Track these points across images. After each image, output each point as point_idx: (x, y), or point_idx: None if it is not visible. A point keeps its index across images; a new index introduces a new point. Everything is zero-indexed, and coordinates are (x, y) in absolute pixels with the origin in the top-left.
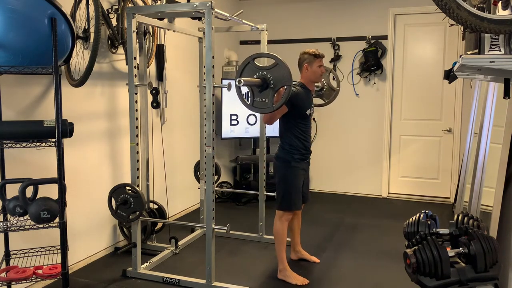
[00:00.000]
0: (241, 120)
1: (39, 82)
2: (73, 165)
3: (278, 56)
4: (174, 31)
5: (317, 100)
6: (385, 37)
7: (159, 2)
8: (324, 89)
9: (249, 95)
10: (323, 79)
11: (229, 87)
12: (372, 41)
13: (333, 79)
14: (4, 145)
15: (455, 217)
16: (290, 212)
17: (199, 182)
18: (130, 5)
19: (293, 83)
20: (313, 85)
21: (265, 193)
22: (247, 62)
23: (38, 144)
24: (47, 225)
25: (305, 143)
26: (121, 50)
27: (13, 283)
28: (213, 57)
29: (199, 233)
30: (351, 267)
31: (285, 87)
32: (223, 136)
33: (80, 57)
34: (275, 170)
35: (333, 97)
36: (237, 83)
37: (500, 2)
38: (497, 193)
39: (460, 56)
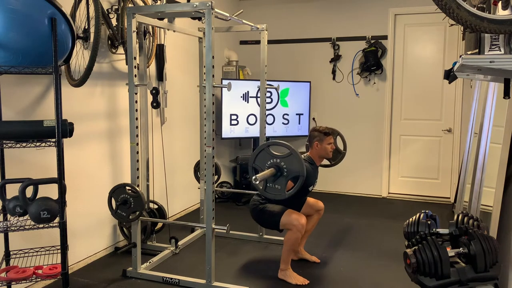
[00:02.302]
0: (241, 120)
1: (39, 82)
2: (73, 165)
3: (292, 147)
4: (174, 31)
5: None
6: (385, 37)
7: (159, 2)
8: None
9: (263, 181)
10: None
11: (229, 87)
12: (372, 41)
13: (341, 141)
14: (4, 145)
15: (455, 217)
16: (289, 220)
17: (199, 182)
18: (130, 5)
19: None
20: (321, 160)
21: None
22: (261, 149)
23: (38, 144)
24: (47, 225)
25: (288, 206)
26: (121, 50)
27: (13, 283)
28: (213, 57)
29: (199, 233)
30: (351, 267)
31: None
32: (223, 136)
33: (80, 57)
34: (251, 214)
35: (340, 159)
36: (254, 182)
37: (500, 2)
38: (497, 193)
39: (460, 56)
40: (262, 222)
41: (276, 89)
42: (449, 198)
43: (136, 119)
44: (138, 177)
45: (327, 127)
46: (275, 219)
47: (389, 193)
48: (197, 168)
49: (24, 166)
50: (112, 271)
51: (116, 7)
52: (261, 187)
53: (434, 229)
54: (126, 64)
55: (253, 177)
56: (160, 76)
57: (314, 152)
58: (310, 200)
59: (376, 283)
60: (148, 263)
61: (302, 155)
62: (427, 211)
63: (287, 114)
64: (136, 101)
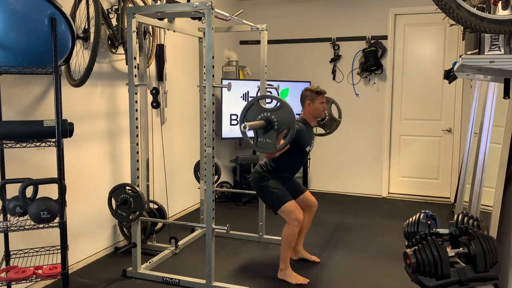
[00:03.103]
0: None
1: (39, 82)
2: (73, 165)
3: (282, 99)
4: (174, 31)
5: (318, 130)
6: (385, 37)
7: (159, 2)
8: (326, 120)
9: (254, 135)
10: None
11: (229, 87)
12: (372, 41)
13: (336, 109)
14: (4, 145)
15: (455, 217)
16: (291, 209)
17: (199, 182)
18: (130, 5)
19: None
20: (315, 121)
21: None
22: (251, 103)
23: (38, 144)
24: (47, 225)
25: (290, 175)
26: (121, 50)
27: (13, 283)
28: (213, 57)
29: (199, 233)
30: (351, 267)
31: (289, 129)
32: (223, 136)
33: (80, 57)
34: (251, 185)
35: (335, 127)
36: (242, 128)
37: (500, 2)
38: (497, 193)
39: (460, 56)
40: (262, 197)
41: (276, 89)
42: (449, 198)
43: (136, 119)
44: (138, 177)
45: (318, 86)
46: (276, 203)
47: (389, 193)
48: (197, 168)
49: (24, 166)
50: (112, 271)
51: (116, 7)
52: (252, 142)
53: (434, 229)
54: (126, 64)
55: (242, 125)
56: (160, 76)
57: (306, 112)
58: (304, 194)
59: (376, 283)
60: (148, 263)
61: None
62: (427, 211)
63: None
64: (136, 101)
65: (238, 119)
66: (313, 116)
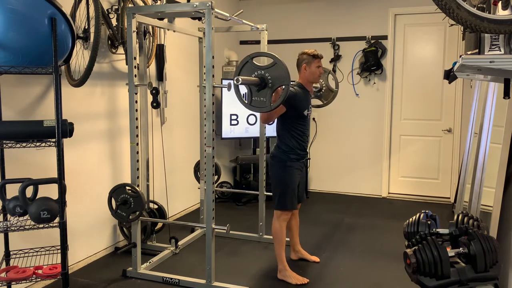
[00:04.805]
0: (241, 120)
1: (39, 82)
2: (73, 165)
3: (276, 56)
4: (174, 31)
5: (315, 101)
6: (385, 37)
7: (159, 2)
8: (323, 90)
9: (247, 94)
10: (321, 80)
11: (229, 87)
12: (372, 41)
13: (332, 80)
14: (4, 145)
15: (455, 217)
16: (288, 212)
17: (199, 182)
18: (130, 5)
19: (291, 83)
20: (311, 86)
21: (265, 193)
22: (245, 61)
23: (38, 144)
24: (47, 225)
25: (302, 144)
26: (121, 50)
27: (13, 283)
28: (213, 57)
29: (199, 233)
30: (351, 267)
31: (283, 86)
32: (223, 136)
33: (80, 57)
34: (270, 169)
35: (332, 98)
36: (235, 82)
37: (500, 2)
38: (497, 193)
39: (460, 56)
40: (275, 183)
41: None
42: (449, 198)
43: (136, 119)
44: (138, 177)
45: (315, 50)
46: (283, 204)
47: (389, 193)
48: (197, 168)
49: (24, 166)
50: (112, 271)
51: (116, 7)
52: (246, 101)
53: (434, 229)
54: (126, 64)
55: (235, 78)
56: (160, 76)
57: (302, 76)
58: None
59: (376, 283)
60: (148, 263)
61: (291, 82)
62: (427, 211)
63: None
64: (136, 101)
65: (233, 77)
66: (309, 80)
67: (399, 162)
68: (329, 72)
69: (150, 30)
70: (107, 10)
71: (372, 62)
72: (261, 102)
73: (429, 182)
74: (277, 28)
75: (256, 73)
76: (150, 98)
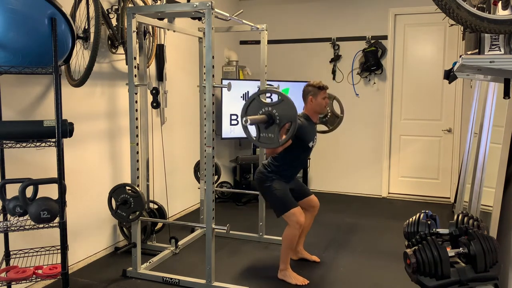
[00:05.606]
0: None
1: (39, 82)
2: (73, 165)
3: (283, 93)
4: (174, 31)
5: (320, 127)
6: (385, 37)
7: (159, 2)
8: (328, 116)
9: (256, 131)
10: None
11: (229, 87)
12: (372, 41)
13: (338, 105)
14: (4, 145)
15: (455, 217)
16: (294, 210)
17: (199, 182)
18: (130, 5)
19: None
20: (317, 116)
21: None
22: (252, 98)
23: (38, 144)
24: (47, 225)
25: (293, 173)
26: (121, 50)
27: (13, 283)
28: (213, 57)
29: (199, 233)
30: (351, 267)
31: (291, 123)
32: (223, 136)
33: (80, 57)
34: (257, 186)
35: (337, 124)
36: (243, 122)
37: (500, 2)
38: (497, 193)
39: (460, 56)
40: (266, 198)
41: (276, 89)
42: (449, 198)
43: (136, 119)
44: (138, 177)
45: (321, 81)
46: (282, 208)
47: (389, 193)
48: (197, 168)
49: (24, 166)
50: (112, 271)
51: (116, 7)
52: (254, 138)
53: (434, 229)
54: (126, 64)
55: (243, 118)
56: (160, 76)
57: (309, 108)
58: (309, 197)
59: (376, 283)
60: (148, 263)
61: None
62: (427, 211)
63: None
64: (136, 101)
65: (240, 115)
66: (315, 111)
67: (399, 162)
68: (333, 98)
69: (150, 30)
70: (107, 10)
71: (372, 62)
72: (269, 139)
73: (429, 182)
74: (277, 28)
75: (263, 110)
76: (150, 98)
